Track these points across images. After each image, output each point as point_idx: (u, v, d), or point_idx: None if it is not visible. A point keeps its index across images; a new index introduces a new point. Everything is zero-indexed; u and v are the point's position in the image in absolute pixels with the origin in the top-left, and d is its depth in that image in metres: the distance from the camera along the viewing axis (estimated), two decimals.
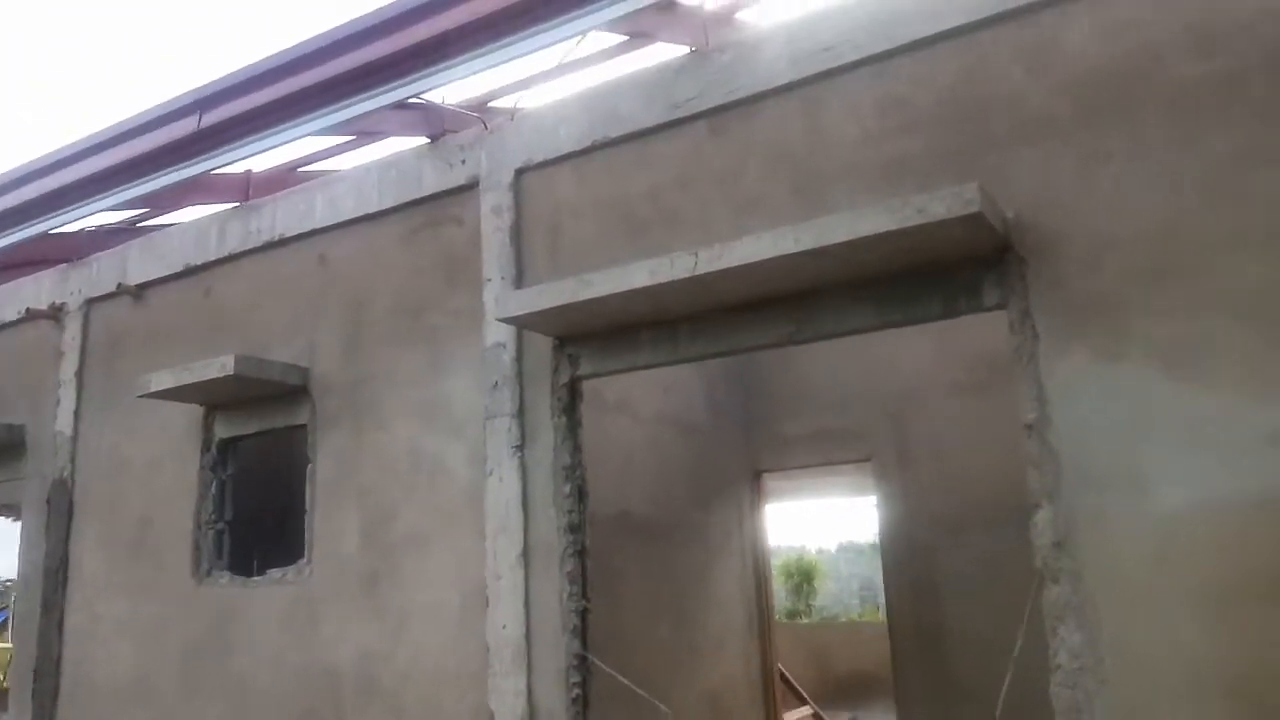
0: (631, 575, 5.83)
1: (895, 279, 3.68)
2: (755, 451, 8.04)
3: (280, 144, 4.74)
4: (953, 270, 3.58)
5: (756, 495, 8.12)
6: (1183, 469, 3.07)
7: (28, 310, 6.73)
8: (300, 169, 6.51)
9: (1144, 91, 3.42)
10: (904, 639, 7.23)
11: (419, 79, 4.41)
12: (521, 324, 4.31)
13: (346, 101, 4.43)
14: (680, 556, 6.77)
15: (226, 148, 4.77)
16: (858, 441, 7.65)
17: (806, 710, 9.64)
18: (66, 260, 6.89)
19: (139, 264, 6.38)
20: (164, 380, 5.33)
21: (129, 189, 5.16)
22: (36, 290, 6.97)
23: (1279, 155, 3.15)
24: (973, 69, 3.72)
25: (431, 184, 5.13)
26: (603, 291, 3.89)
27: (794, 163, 4.04)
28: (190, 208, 6.36)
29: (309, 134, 4.71)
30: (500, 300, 4.25)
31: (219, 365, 5.08)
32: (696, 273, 3.66)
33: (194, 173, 5.00)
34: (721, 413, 7.72)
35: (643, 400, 6.31)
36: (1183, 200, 3.28)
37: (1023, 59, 3.62)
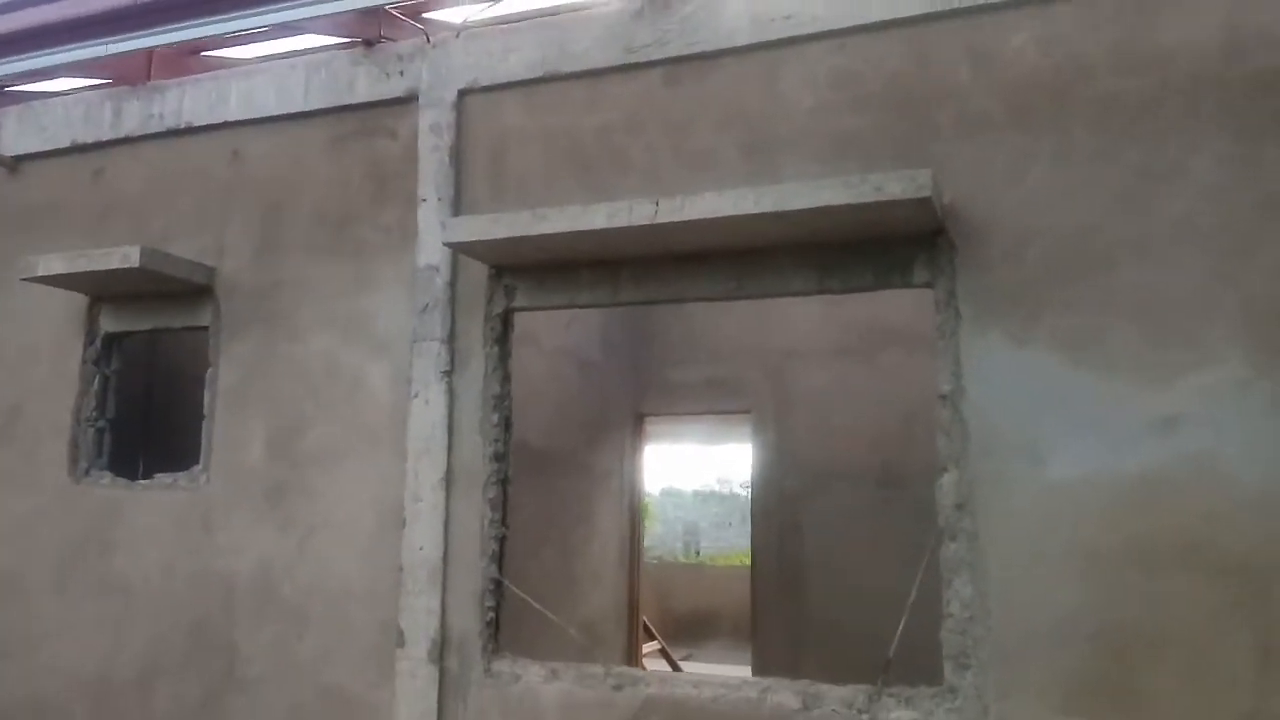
0: (524, 505, 5.95)
1: (835, 248, 3.91)
2: (640, 394, 8.28)
3: (229, 31, 4.45)
4: (889, 246, 3.84)
5: (638, 437, 8.38)
6: (1074, 445, 3.49)
7: None
8: (201, 53, 6.08)
9: (1072, 101, 3.74)
10: (766, 581, 7.76)
11: None
12: (465, 250, 4.30)
13: None
14: (568, 490, 6.97)
15: (171, 26, 4.43)
16: (739, 393, 8.02)
17: (655, 645, 10.18)
18: None
19: (14, 133, 5.84)
20: (54, 265, 4.97)
21: (56, 53, 4.72)
22: None
23: (1180, 172, 3.56)
24: (923, 59, 3.95)
25: (364, 91, 4.96)
26: (558, 228, 3.94)
27: (746, 123, 4.18)
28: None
29: (257, 25, 4.45)
30: (449, 225, 4.21)
31: (121, 255, 4.79)
32: (656, 221, 3.77)
33: (130, 48, 4.62)
34: (613, 353, 7.89)
35: (546, 332, 6.38)
36: (1096, 205, 3.65)
37: (968, 57, 3.88)
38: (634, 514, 8.28)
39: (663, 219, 3.77)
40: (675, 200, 3.76)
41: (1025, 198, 3.72)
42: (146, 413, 5.77)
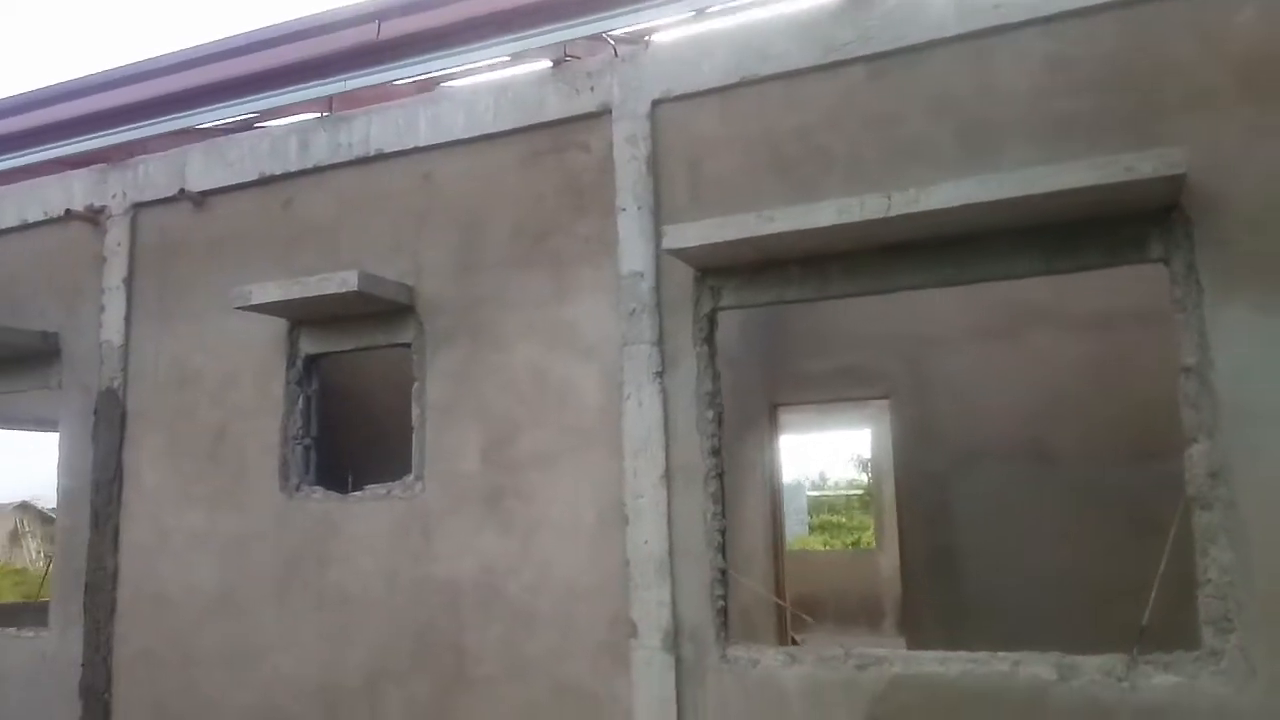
0: None
1: (1061, 228, 3.99)
2: (774, 385, 8.39)
3: (453, 67, 4.70)
4: (1118, 223, 3.91)
5: (774, 427, 8.51)
6: None
7: (68, 211, 6.37)
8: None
9: None
10: (915, 562, 7.81)
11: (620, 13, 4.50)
12: (685, 256, 4.44)
13: (540, 29, 4.45)
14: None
15: (402, 62, 4.70)
16: (876, 379, 8.10)
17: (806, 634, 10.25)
18: (94, 162, 6.53)
19: (201, 170, 6.12)
20: (270, 293, 5.22)
21: (296, 91, 5.03)
22: (64, 191, 6.59)
23: None
24: (1141, 38, 4.02)
25: (555, 109, 5.14)
26: (785, 227, 4.07)
27: (960, 111, 4.28)
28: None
29: (487, 60, 4.71)
30: (670, 233, 4.35)
31: (339, 280, 5.01)
32: (890, 214, 3.89)
33: (365, 84, 4.91)
34: (749, 347, 8.01)
35: None
36: None
37: (1191, 33, 3.94)
38: (775, 503, 8.40)
39: (896, 212, 3.88)
40: (908, 193, 3.87)
41: (1263, 170, 3.77)
42: (341, 429, 5.99)
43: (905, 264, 4.29)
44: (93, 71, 6.21)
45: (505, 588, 4.93)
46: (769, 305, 4.74)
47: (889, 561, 11.43)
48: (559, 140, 5.15)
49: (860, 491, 18.56)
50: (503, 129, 5.27)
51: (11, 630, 6.40)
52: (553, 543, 4.86)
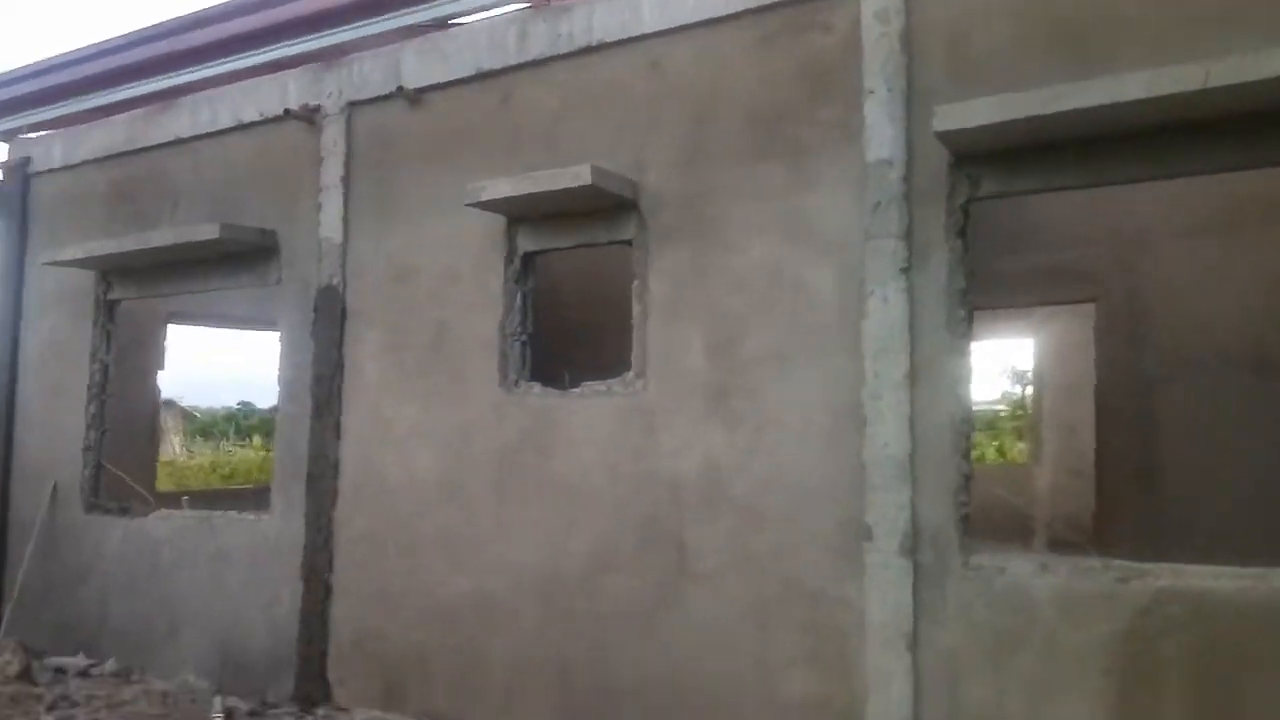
0: None
1: None
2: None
3: None
4: None
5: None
6: None
7: (286, 111, 6.52)
8: None
9: None
10: (1114, 475, 7.37)
11: None
12: (951, 139, 4.15)
13: None
14: None
15: None
16: (1082, 281, 7.58)
17: None
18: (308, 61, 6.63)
19: (417, 67, 6.13)
20: (500, 189, 5.20)
21: None
22: (279, 91, 6.73)
23: None
24: None
25: None
26: (1089, 102, 3.72)
27: None
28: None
29: None
30: (947, 113, 4.05)
31: (572, 175, 4.93)
32: (1208, 85, 3.49)
33: None
34: None
35: None
36: None
37: None
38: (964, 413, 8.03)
39: (1216, 83, 3.48)
40: (1230, 60, 3.46)
41: None
42: (551, 325, 5.99)
43: (1189, 145, 3.89)
44: None
45: (730, 485, 4.85)
46: (1030, 194, 4.40)
47: (1045, 477, 10.96)
48: (797, 20, 4.88)
49: (1004, 408, 17.61)
50: (735, 10, 5.02)
51: (232, 513, 6.79)
52: (781, 442, 4.73)
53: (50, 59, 7.69)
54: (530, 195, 5.15)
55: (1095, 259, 7.44)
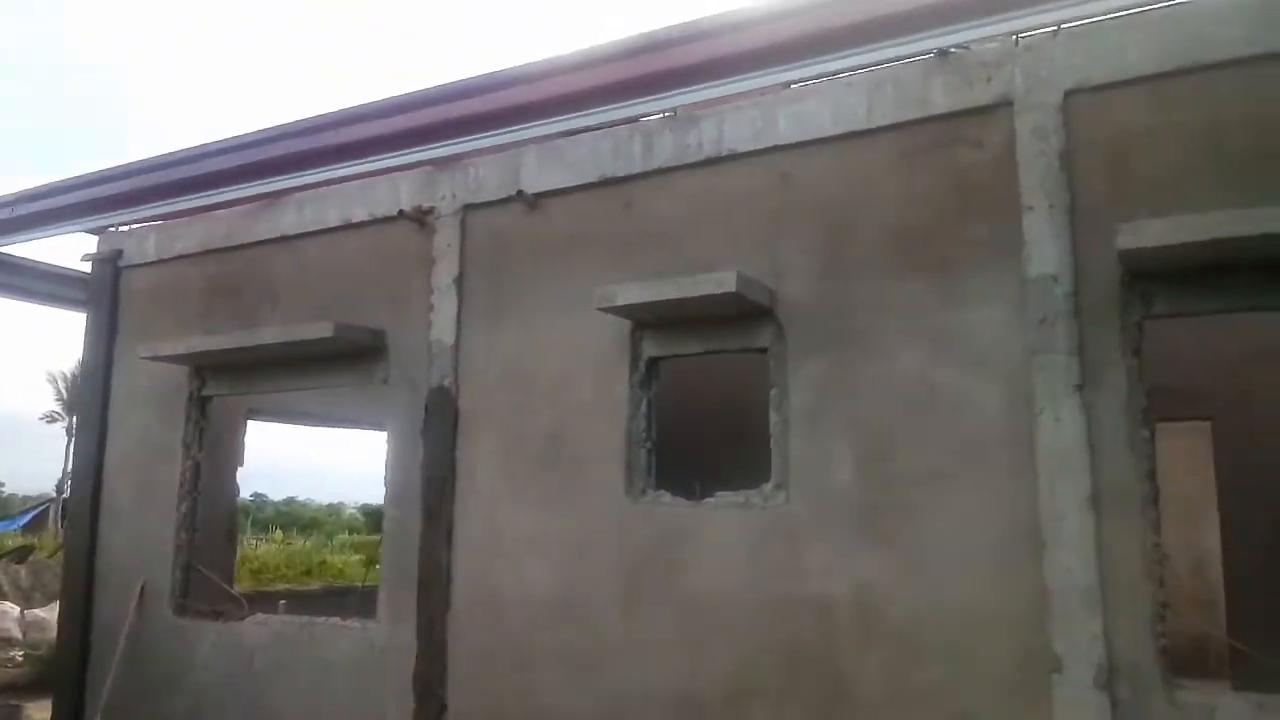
0: None
1: None
2: None
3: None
4: None
5: None
6: None
7: (400, 213, 6.52)
8: None
9: None
10: (1245, 587, 7.12)
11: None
12: (1136, 258, 4.06)
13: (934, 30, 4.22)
14: None
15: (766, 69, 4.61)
16: (1196, 399, 7.43)
17: None
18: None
19: (536, 171, 6.14)
20: (633, 294, 5.14)
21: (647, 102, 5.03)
22: (391, 192, 6.75)
23: None
24: None
25: (941, 103, 4.85)
26: (1272, 229, 3.63)
27: None
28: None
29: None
30: (1129, 231, 3.97)
31: (715, 281, 4.87)
32: None
33: (725, 92, 4.85)
34: None
35: None
36: None
37: None
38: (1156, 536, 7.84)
39: None
40: None
41: None
42: (670, 432, 5.87)
43: None
44: (439, 83, 6.29)
45: (886, 611, 4.65)
46: (1205, 314, 4.29)
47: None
48: (944, 135, 4.85)
49: None
50: (877, 125, 5.01)
51: (335, 620, 6.61)
52: (943, 566, 4.55)
53: (150, 160, 7.76)
54: (668, 301, 5.08)
55: (1208, 378, 7.32)
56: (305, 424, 10.25)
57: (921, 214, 4.84)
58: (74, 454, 8.14)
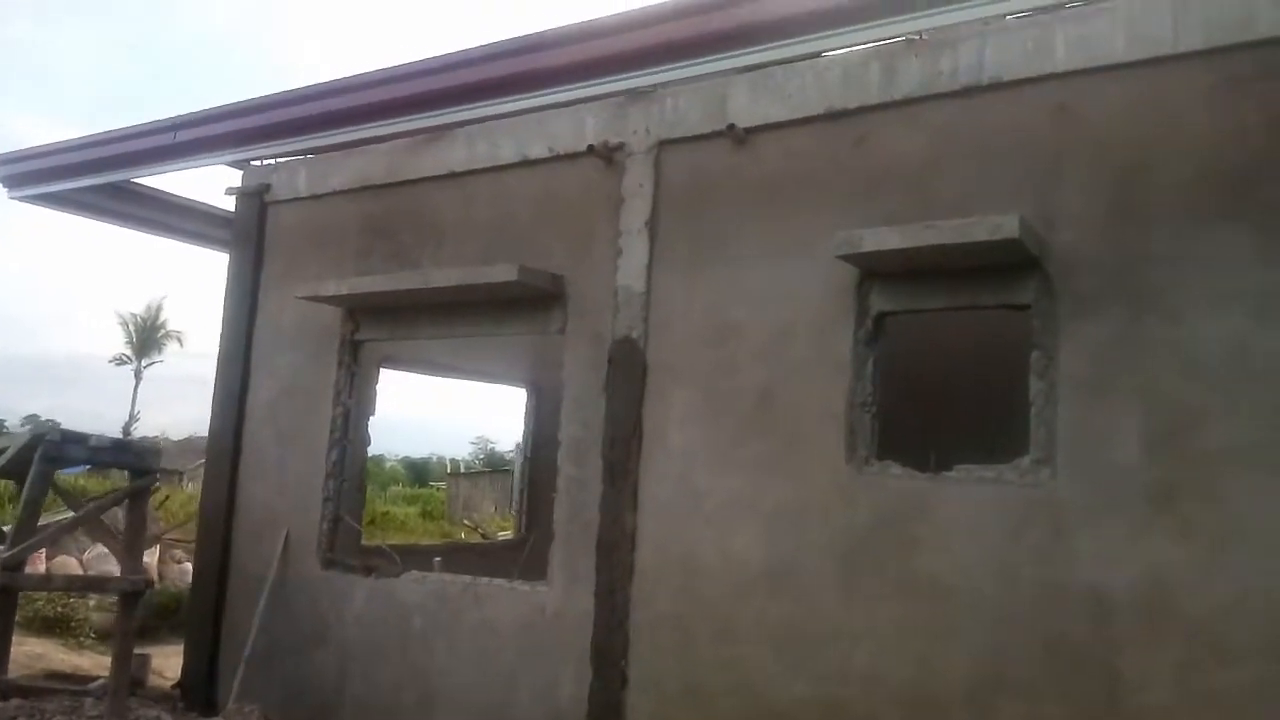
0: None
1: None
2: None
3: None
4: None
5: None
6: None
7: (590, 148, 6.03)
8: None
9: None
10: None
11: None
12: None
13: None
14: None
15: None
16: None
17: None
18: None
19: (748, 104, 5.58)
20: (887, 239, 4.56)
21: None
22: (574, 126, 6.26)
23: None
24: None
25: (1267, 25, 4.18)
26: None
27: None
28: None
29: None
30: None
31: (991, 227, 4.27)
32: None
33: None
34: None
35: None
36: None
37: None
38: None
39: None
40: None
41: None
42: (898, 395, 5.32)
43: None
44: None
45: (1182, 605, 4.06)
46: None
47: None
48: (1269, 64, 4.18)
49: None
50: (1185, 50, 4.36)
51: (500, 581, 6.20)
52: (1256, 558, 3.94)
53: (308, 88, 7.37)
54: (927, 248, 4.50)
55: None
56: (440, 375, 9.89)
57: (1243, 154, 4.19)
58: (214, 398, 7.83)
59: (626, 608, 5.53)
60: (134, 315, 57.80)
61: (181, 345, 59.49)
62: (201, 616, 7.47)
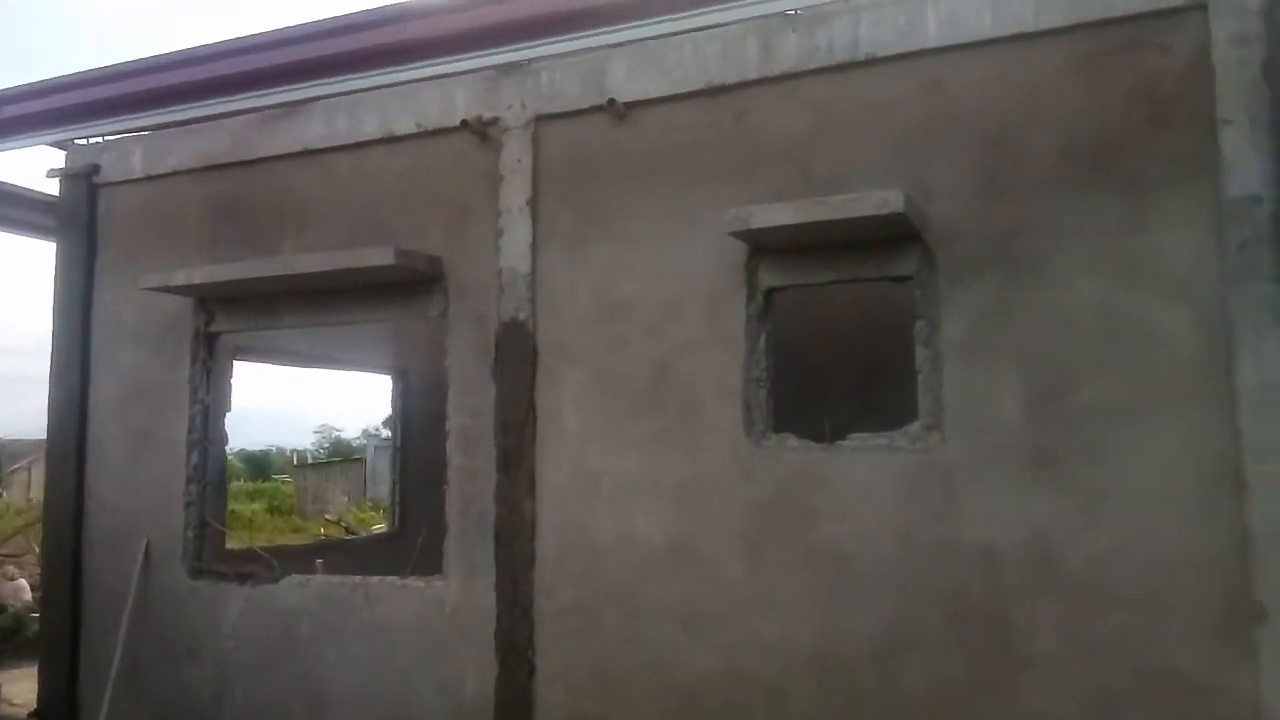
0: None
1: None
2: None
3: None
4: None
5: None
6: None
7: (464, 123, 5.76)
8: None
9: None
10: None
11: None
12: None
13: None
14: None
15: None
16: None
17: None
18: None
19: (626, 77, 5.47)
20: (775, 216, 4.58)
21: None
22: (444, 100, 5.97)
23: None
24: None
25: (1123, 4, 4.41)
26: None
27: None
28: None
29: None
30: None
31: (877, 202, 4.36)
32: None
33: None
34: None
35: None
36: None
37: None
38: None
39: None
40: None
41: None
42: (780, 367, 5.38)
43: None
44: None
45: (1063, 558, 4.33)
46: None
47: None
48: (1126, 40, 4.43)
49: None
50: (1046, 27, 4.55)
51: (393, 579, 5.97)
52: (1132, 510, 4.24)
53: (142, 61, 6.73)
54: (814, 224, 4.55)
55: None
56: (299, 365, 9.35)
57: (1102, 127, 4.43)
58: (51, 400, 7.13)
59: (530, 596, 5.43)
60: None
61: None
62: (56, 636, 6.85)
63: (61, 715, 6.75)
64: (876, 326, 5.94)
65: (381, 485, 30.11)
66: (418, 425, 10.02)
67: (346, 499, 27.85)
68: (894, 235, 4.71)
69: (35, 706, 6.96)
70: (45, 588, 7.07)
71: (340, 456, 36.27)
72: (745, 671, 4.89)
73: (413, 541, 9.51)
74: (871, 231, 4.66)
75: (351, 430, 52.37)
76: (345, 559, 8.16)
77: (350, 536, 13.87)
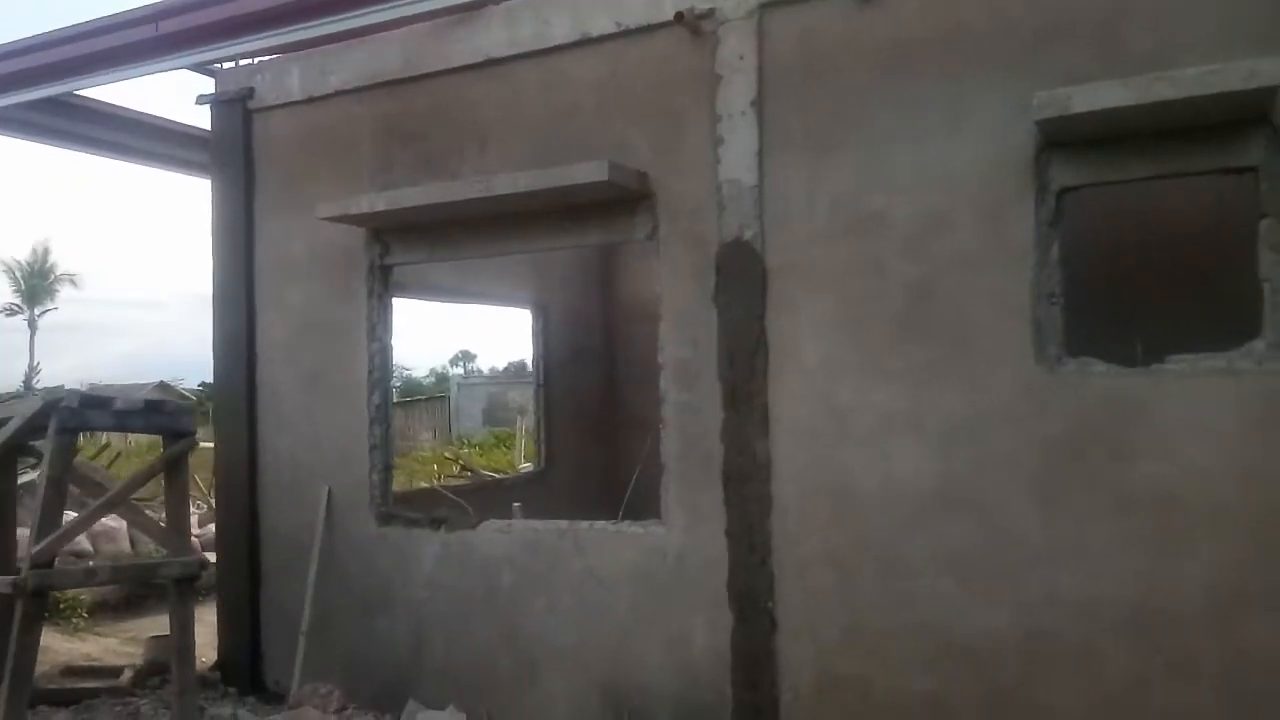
0: None
1: None
2: None
3: None
4: None
5: None
6: None
7: (678, 16, 5.08)
8: None
9: None
10: None
11: None
12: None
13: None
14: None
15: None
16: None
17: None
18: None
19: None
20: (1102, 96, 3.81)
21: None
22: None
23: None
24: None
25: None
26: None
27: None
28: None
29: None
30: None
31: (1244, 73, 3.56)
32: None
33: None
34: None
35: None
36: None
37: None
38: None
39: None
40: None
41: None
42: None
43: None
44: None
45: None
46: None
47: None
48: None
49: None
50: None
51: (604, 524, 5.48)
52: None
53: None
54: (1154, 104, 3.78)
55: None
56: (444, 300, 8.90)
57: None
58: (216, 345, 6.78)
59: (768, 545, 4.89)
60: (19, 262, 54.04)
61: (76, 288, 56.06)
62: (236, 589, 6.60)
63: (244, 670, 6.52)
64: (1188, 227, 5.16)
65: (467, 422, 30.25)
66: (557, 360, 9.57)
67: (433, 435, 27.90)
68: (1233, 119, 3.93)
69: (216, 659, 6.75)
70: (222, 540, 6.78)
71: (410, 396, 36.29)
72: (1042, 630, 4.28)
73: (560, 480, 9.17)
74: (1207, 115, 3.88)
75: (420, 370, 52.97)
76: (500, 499, 7.75)
77: (498, 475, 13.47)
